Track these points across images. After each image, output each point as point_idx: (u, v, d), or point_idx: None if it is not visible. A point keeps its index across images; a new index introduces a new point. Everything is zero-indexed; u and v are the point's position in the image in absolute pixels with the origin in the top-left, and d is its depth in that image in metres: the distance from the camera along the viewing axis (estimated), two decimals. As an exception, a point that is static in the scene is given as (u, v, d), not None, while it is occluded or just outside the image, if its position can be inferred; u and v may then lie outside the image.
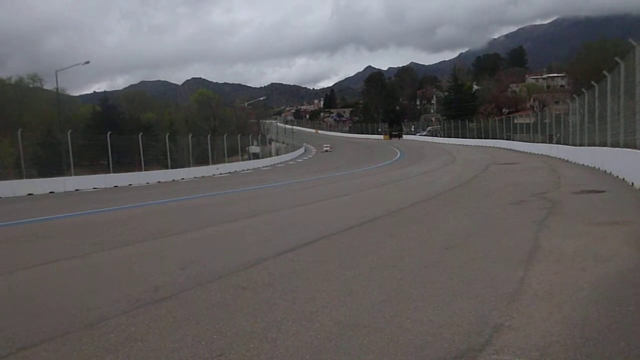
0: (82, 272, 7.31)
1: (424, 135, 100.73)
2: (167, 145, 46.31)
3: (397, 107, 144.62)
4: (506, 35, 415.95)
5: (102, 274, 7.06)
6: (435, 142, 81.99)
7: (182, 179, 41.99)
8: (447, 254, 7.32)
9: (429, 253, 7.46)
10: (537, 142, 45.26)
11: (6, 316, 5.15)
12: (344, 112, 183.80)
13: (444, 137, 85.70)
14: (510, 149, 50.88)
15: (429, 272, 6.24)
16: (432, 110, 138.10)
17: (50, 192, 31.27)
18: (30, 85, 63.77)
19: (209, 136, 54.31)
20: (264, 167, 59.26)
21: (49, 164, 38.00)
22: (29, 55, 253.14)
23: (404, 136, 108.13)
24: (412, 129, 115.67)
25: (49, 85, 61.40)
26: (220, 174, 48.79)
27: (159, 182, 38.97)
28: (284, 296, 5.28)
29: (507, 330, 4.17)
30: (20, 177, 33.72)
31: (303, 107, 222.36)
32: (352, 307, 4.86)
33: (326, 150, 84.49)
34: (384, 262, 6.94)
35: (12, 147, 36.79)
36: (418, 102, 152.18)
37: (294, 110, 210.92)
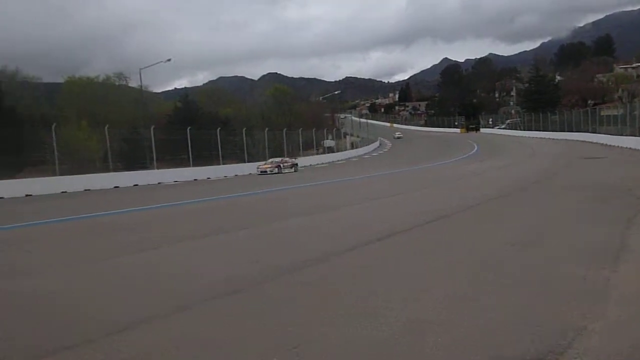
0: (161, 263, 7.59)
1: (503, 129, 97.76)
2: (244, 139, 47.40)
3: (474, 100, 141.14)
4: (592, 23, 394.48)
5: (176, 266, 7.30)
6: (515, 136, 79.43)
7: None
8: (525, 252, 7.07)
9: (505, 250, 7.23)
10: (626, 135, 42.91)
11: (108, 296, 5.43)
12: (419, 105, 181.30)
13: (523, 130, 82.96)
14: (595, 143, 48.51)
15: (505, 270, 6.04)
16: (511, 103, 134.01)
17: (135, 185, 32.74)
18: (117, 83, 66.90)
19: (284, 130, 55.10)
20: (338, 160, 59.42)
21: (134, 158, 39.77)
22: (114, 54, 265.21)
23: (482, 130, 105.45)
24: (490, 122, 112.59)
25: (133, 83, 64.30)
26: (296, 167, 49.30)
27: (236, 175, 39.96)
28: (354, 292, 5.26)
29: (590, 333, 3.98)
30: (108, 171, 35.55)
31: (378, 101, 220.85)
32: (423, 304, 4.78)
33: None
34: (457, 258, 6.78)
35: (100, 143, 38.78)
36: (496, 95, 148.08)
37: (368, 104, 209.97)
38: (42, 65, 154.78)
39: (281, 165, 41.92)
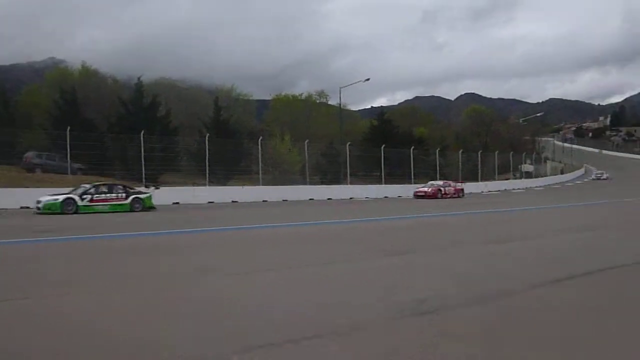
0: (357, 276, 7.57)
1: None
2: (437, 159, 46.89)
3: None
4: None
5: (374, 280, 7.21)
6: None
7: (450, 194, 41.92)
8: None
9: None
10: None
11: (280, 311, 5.54)
12: (635, 130, 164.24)
13: None
14: None
15: None
16: None
17: (328, 199, 34.06)
18: (317, 101, 70.72)
19: (479, 152, 53.42)
20: (536, 187, 56.04)
21: (329, 172, 41.49)
22: (318, 75, 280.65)
23: None
24: None
25: (332, 101, 67.52)
26: (489, 191, 47.55)
27: (426, 195, 39.48)
28: (553, 331, 4.68)
29: None
30: (305, 183, 37.55)
31: (585, 125, 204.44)
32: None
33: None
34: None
35: (300, 156, 41.17)
36: None
37: (574, 128, 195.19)
38: (256, 83, 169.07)
39: (442, 189, 37.21)
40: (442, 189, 36.88)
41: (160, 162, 33.71)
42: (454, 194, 37.47)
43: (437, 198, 35.00)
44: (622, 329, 4.67)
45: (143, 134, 31.10)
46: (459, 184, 40.76)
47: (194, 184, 33.68)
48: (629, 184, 53.68)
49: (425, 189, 36.57)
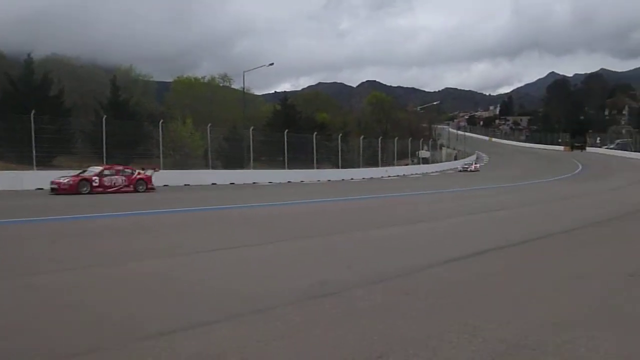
0: (255, 261, 7.73)
1: (612, 149, 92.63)
2: (339, 145, 47.84)
3: (582, 117, 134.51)
4: None
5: (273, 265, 7.41)
6: (625, 157, 74.94)
7: (352, 179, 43.01)
8: (635, 282, 6.55)
9: (613, 278, 6.73)
10: None
11: (183, 296, 5.61)
12: (521, 120, 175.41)
13: (635, 151, 78.11)
14: None
15: (614, 299, 5.61)
16: (622, 122, 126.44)
17: (231, 183, 33.83)
18: (221, 84, 69.60)
19: (379, 139, 55.01)
20: (432, 172, 58.53)
21: (232, 157, 41.15)
22: (221, 57, 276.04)
23: (588, 149, 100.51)
24: (598, 141, 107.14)
25: (236, 85, 66.75)
26: (389, 176, 49.18)
27: (329, 180, 40.25)
28: (447, 306, 5.09)
29: None
30: (207, 168, 37.04)
31: (477, 114, 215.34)
32: (520, 326, 4.52)
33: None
34: (559, 282, 6.40)
35: (202, 140, 40.52)
36: (607, 113, 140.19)
37: (467, 117, 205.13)
38: (156, 65, 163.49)
39: (94, 180, 24.39)
40: (94, 179, 24.47)
41: (53, 144, 31.86)
42: (127, 185, 25.50)
43: (79, 193, 23.02)
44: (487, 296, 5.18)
45: (33, 114, 29.27)
46: (150, 170, 27.91)
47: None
48: (513, 168, 57.25)
49: (62, 180, 23.61)
